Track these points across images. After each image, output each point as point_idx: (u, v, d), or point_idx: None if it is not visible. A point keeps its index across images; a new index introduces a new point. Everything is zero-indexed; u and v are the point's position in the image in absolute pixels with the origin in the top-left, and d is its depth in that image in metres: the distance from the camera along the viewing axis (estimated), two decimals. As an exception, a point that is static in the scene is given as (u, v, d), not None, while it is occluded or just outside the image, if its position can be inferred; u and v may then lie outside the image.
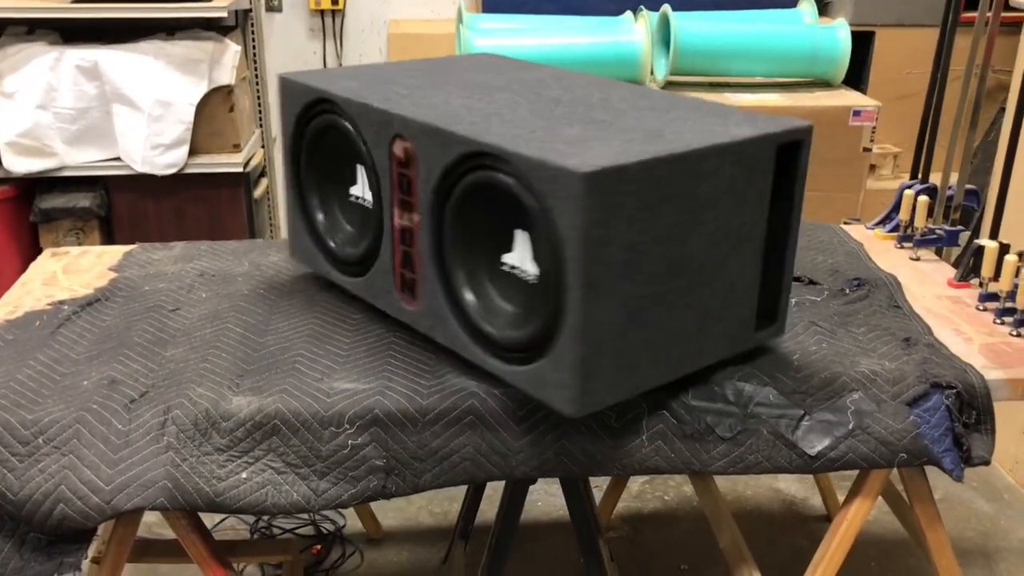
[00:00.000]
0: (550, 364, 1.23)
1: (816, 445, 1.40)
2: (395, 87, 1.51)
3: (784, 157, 1.35)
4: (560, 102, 1.45)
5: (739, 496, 2.51)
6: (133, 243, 1.95)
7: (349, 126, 1.46)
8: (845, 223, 2.14)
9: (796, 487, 2.54)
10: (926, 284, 1.79)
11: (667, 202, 1.21)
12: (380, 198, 1.45)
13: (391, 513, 2.40)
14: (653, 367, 1.30)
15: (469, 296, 1.33)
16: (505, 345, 1.29)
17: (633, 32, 2.77)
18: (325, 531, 2.33)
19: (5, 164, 2.88)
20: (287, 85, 1.58)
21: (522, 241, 1.25)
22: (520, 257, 1.26)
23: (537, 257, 1.23)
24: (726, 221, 1.30)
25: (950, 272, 1.83)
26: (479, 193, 1.27)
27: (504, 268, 1.30)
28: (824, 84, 2.89)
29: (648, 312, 1.25)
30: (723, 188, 1.27)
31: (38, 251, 3.02)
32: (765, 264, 1.39)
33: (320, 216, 1.59)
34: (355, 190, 1.53)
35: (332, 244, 1.58)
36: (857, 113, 2.65)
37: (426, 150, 1.32)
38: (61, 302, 1.67)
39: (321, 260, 1.61)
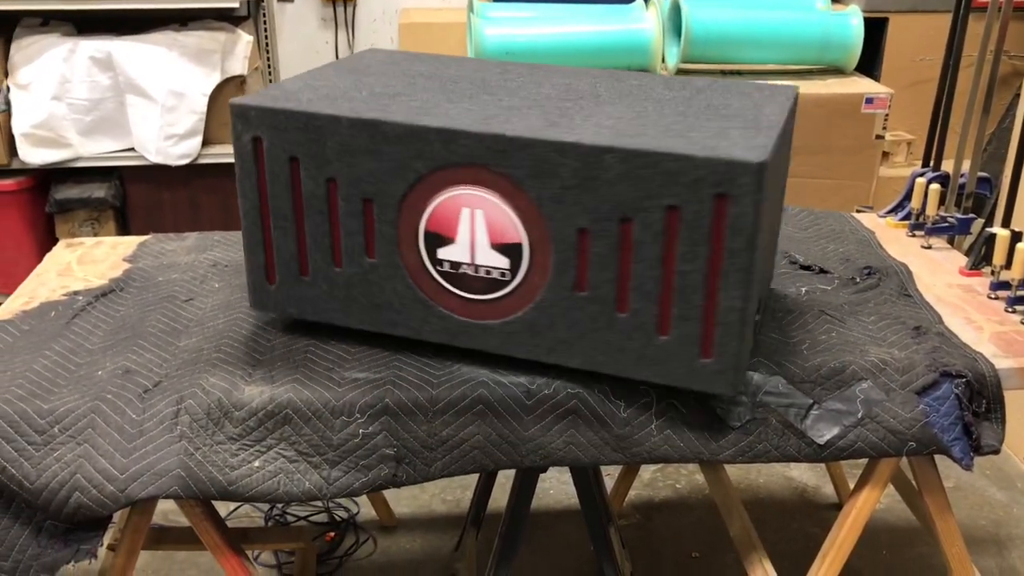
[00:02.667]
0: None
1: (825, 434, 1.40)
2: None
3: None
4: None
5: (751, 484, 2.51)
6: (148, 233, 1.97)
7: None
8: (857, 211, 2.14)
9: (808, 475, 2.54)
10: (937, 272, 1.78)
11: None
12: None
13: (404, 501, 2.42)
14: None
15: None
16: None
17: (644, 20, 2.77)
18: (339, 519, 2.35)
19: (21, 155, 2.90)
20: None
21: None
22: None
23: None
24: None
25: (962, 260, 1.83)
26: None
27: None
28: (836, 71, 2.87)
29: None
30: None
31: (54, 241, 3.05)
32: None
33: None
34: None
35: None
36: (869, 100, 2.63)
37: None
38: (76, 292, 1.69)
39: None
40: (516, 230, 1.30)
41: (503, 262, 1.33)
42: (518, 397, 1.37)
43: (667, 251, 1.24)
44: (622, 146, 1.21)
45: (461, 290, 1.37)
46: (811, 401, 1.41)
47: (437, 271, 1.37)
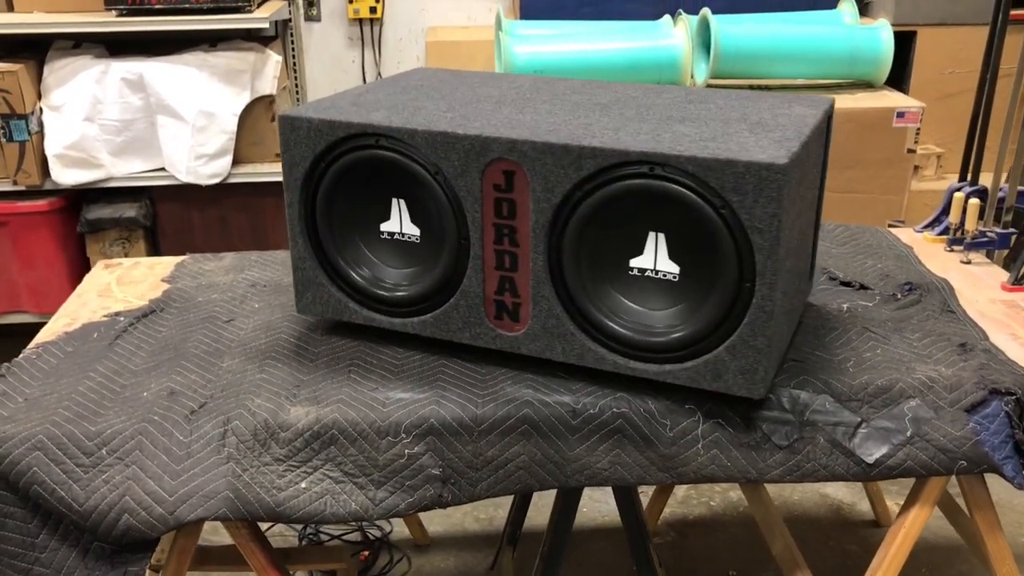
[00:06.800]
0: (728, 353, 1.29)
1: (874, 453, 1.39)
2: (443, 111, 1.44)
3: None
4: (625, 106, 1.49)
5: (786, 501, 2.49)
6: (178, 252, 1.98)
7: (402, 158, 1.38)
8: (890, 225, 2.12)
9: (843, 492, 2.52)
10: (979, 288, 1.77)
11: (800, 183, 1.30)
12: (456, 229, 1.38)
13: (437, 519, 2.41)
14: (786, 335, 1.41)
15: (602, 308, 1.35)
16: (663, 347, 1.32)
17: (673, 36, 2.77)
18: (372, 537, 2.35)
19: (53, 176, 2.92)
20: (296, 124, 1.41)
21: (655, 243, 1.30)
22: (652, 259, 1.30)
23: (677, 255, 1.30)
24: (812, 190, 1.45)
25: (1002, 275, 1.81)
26: (611, 204, 1.28)
27: (632, 273, 1.33)
28: (866, 85, 2.86)
29: (788, 286, 1.33)
30: (813, 162, 1.41)
31: (85, 261, 3.07)
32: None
33: (344, 262, 1.48)
34: (389, 226, 1.46)
35: (378, 289, 1.47)
36: (901, 114, 2.62)
37: (543, 169, 1.30)
38: (117, 313, 1.70)
39: (352, 308, 1.50)
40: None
41: None
42: (563, 417, 1.37)
43: None
44: None
45: None
46: (859, 419, 1.40)
47: None
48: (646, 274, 1.33)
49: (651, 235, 1.30)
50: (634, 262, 1.33)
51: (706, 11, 2.79)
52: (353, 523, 2.37)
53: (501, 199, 1.34)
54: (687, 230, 1.27)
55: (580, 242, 1.32)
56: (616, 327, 1.34)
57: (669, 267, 1.31)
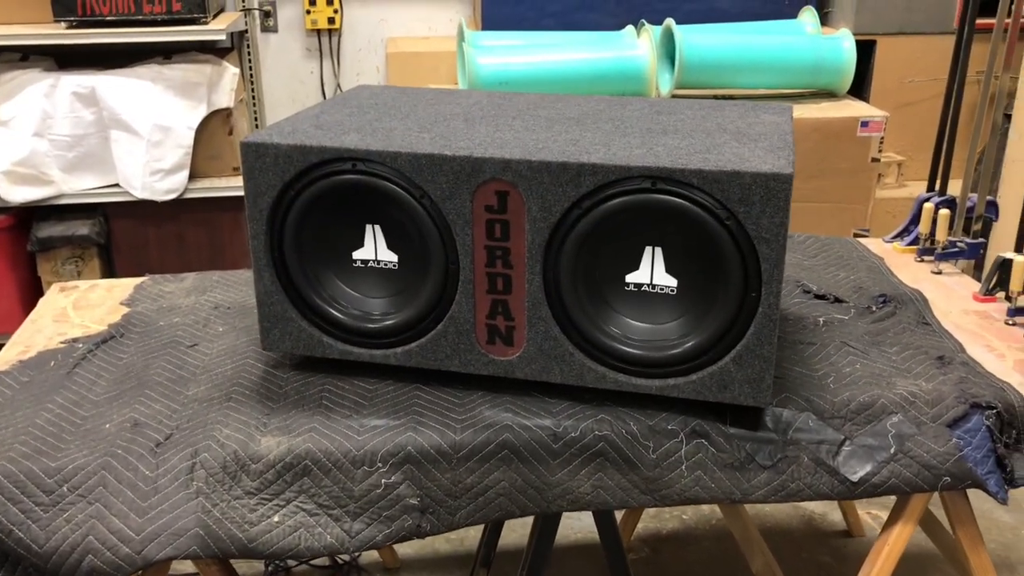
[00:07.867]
0: (734, 363, 1.28)
1: (858, 471, 1.37)
2: (417, 132, 1.38)
3: None
4: (598, 120, 1.47)
5: (757, 512, 2.48)
6: (133, 270, 1.92)
7: (382, 182, 1.31)
8: (855, 235, 2.12)
9: (815, 502, 2.51)
10: (951, 299, 1.77)
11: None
12: (443, 253, 1.33)
13: (407, 542, 2.36)
14: None
15: (601, 326, 1.32)
16: (667, 361, 1.30)
17: (637, 47, 2.75)
18: (341, 562, 2.29)
19: (1, 193, 2.83)
20: (262, 150, 1.32)
21: (651, 257, 1.28)
22: (649, 274, 1.29)
23: (675, 268, 1.28)
24: None
25: (973, 285, 1.81)
26: (609, 221, 1.26)
27: (629, 288, 1.30)
28: (828, 94, 2.87)
29: None
30: None
31: (36, 280, 2.98)
32: None
33: (316, 294, 1.40)
34: (362, 254, 1.39)
35: (355, 321, 1.40)
36: (865, 124, 2.63)
37: (540, 188, 1.26)
38: (75, 340, 1.63)
39: (327, 343, 1.42)
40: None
41: None
42: (544, 441, 1.33)
43: None
44: None
45: None
46: (842, 437, 1.38)
47: None
48: (643, 289, 1.30)
49: (648, 249, 1.28)
50: (630, 277, 1.30)
51: (670, 22, 2.78)
52: (321, 547, 2.31)
53: (494, 220, 1.29)
54: (687, 243, 1.25)
55: (577, 260, 1.29)
56: (617, 344, 1.31)
57: (667, 281, 1.29)
